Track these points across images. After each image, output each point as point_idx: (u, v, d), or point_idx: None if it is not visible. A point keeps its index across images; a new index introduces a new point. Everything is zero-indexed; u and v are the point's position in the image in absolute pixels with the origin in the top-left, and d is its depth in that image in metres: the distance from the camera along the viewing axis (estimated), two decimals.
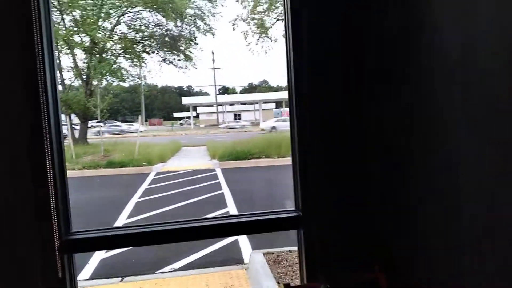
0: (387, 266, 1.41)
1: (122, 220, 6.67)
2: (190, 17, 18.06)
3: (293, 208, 1.65)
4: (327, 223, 1.52)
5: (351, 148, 1.49)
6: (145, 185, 9.72)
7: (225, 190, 8.63)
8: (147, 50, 18.65)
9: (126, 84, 22.00)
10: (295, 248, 4.55)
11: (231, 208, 7.05)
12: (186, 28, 18.31)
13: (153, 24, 18.18)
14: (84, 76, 16.25)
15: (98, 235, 1.39)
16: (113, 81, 18.32)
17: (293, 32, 1.44)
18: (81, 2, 15.71)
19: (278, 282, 3.77)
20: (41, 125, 1.25)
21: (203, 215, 6.64)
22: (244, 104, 48.46)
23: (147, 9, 17.14)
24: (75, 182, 10.85)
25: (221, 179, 10.13)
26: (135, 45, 18.23)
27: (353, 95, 1.46)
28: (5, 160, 1.23)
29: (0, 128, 1.22)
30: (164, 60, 18.95)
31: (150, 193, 8.79)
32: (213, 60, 37.83)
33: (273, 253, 4.54)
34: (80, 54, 17.01)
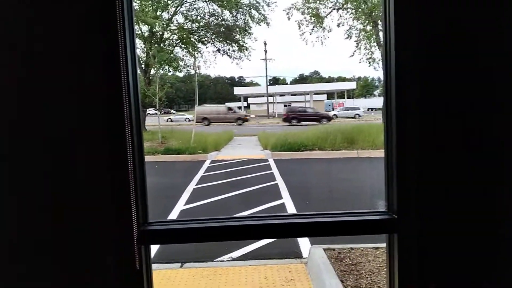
0: None
1: (180, 206, 6.84)
2: (245, 7, 18.06)
3: (384, 210, 1.51)
4: (430, 230, 1.37)
5: (461, 146, 1.31)
6: (201, 173, 9.92)
7: (279, 181, 8.57)
8: (203, 40, 18.97)
9: (180, 74, 22.62)
10: (358, 246, 4.39)
11: (287, 200, 6.97)
12: (241, 18, 18.35)
13: (209, 14, 18.41)
14: (143, 65, 16.86)
15: (177, 226, 1.34)
16: (170, 71, 18.88)
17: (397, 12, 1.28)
18: None
19: (341, 281, 3.64)
20: (122, 109, 1.20)
21: (259, 205, 6.63)
22: (295, 95, 48.08)
23: (205, 1, 17.34)
24: None
25: (274, 169, 10.09)
26: (191, 35, 18.60)
27: (464, 90, 1.28)
28: (85, 145, 1.18)
29: (82, 113, 1.18)
30: (219, 50, 19.19)
31: (206, 180, 8.95)
32: (265, 51, 37.53)
33: (334, 250, 4.40)
34: (138, 43, 17.67)
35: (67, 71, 1.17)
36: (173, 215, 6.34)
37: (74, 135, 1.18)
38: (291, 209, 6.46)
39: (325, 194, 7.68)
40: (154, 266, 4.68)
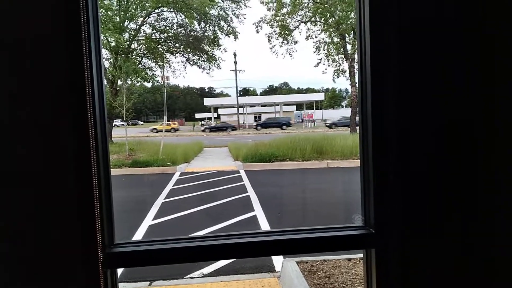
0: None
1: (148, 221, 6.61)
2: (214, 18, 18.08)
3: (361, 224, 1.46)
4: (408, 245, 1.33)
5: (446, 155, 1.28)
6: (170, 186, 9.67)
7: (251, 193, 8.49)
8: (171, 50, 18.78)
9: (148, 85, 22.25)
10: (330, 257, 4.34)
11: (259, 212, 6.89)
12: (209, 29, 18.35)
13: (177, 25, 18.28)
14: (110, 76, 16.44)
15: (145, 248, 1.23)
16: (138, 81, 18.51)
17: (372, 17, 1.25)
18: (106, 2, 15.89)
19: None
20: (87, 122, 1.11)
21: (230, 218, 6.51)
22: (265, 105, 48.46)
23: (171, 10, 17.21)
24: None
25: (246, 181, 10.00)
26: (159, 46, 18.37)
27: (452, 95, 1.26)
28: (49, 161, 1.08)
29: (45, 127, 1.08)
30: (188, 60, 19.05)
31: (175, 194, 8.73)
32: (235, 62, 37.74)
33: (307, 262, 4.35)
34: (105, 53, 17.23)
35: (27, 80, 1.07)
36: (141, 230, 6.10)
37: (35, 149, 1.08)
38: (263, 221, 6.38)
39: (298, 205, 7.67)
40: (120, 285, 4.46)
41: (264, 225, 6.15)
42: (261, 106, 48.09)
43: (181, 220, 6.70)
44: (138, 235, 5.83)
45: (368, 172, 1.38)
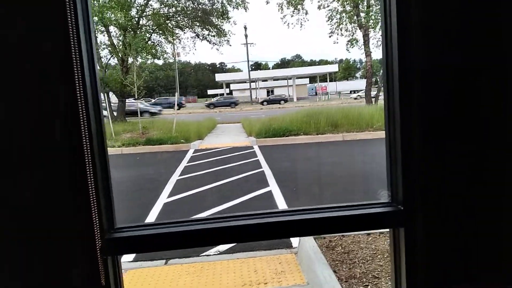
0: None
1: (163, 199, 6.57)
2: None
3: (388, 201, 1.31)
4: (439, 223, 1.18)
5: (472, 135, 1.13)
6: (184, 163, 9.63)
7: (265, 169, 8.37)
8: (180, 25, 18.41)
9: (160, 62, 22.05)
10: (349, 233, 4.21)
11: (273, 188, 6.78)
12: (218, 1, 17.85)
13: None
14: (120, 54, 16.27)
15: (150, 232, 1.12)
16: (148, 58, 18.31)
17: None
18: None
19: (334, 271, 3.46)
20: (76, 102, 0.97)
21: (245, 194, 6.43)
22: (277, 79, 47.92)
23: None
24: (115, 159, 10.96)
25: (260, 156, 9.88)
26: (168, 21, 18.02)
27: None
28: (39, 145, 0.96)
29: (32, 108, 0.96)
30: (197, 35, 18.68)
31: (190, 171, 8.68)
32: (246, 36, 37.12)
33: (324, 238, 4.22)
34: (115, 31, 17.01)
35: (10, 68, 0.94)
36: (156, 208, 6.07)
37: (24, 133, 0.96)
38: (278, 196, 6.27)
39: (313, 180, 7.53)
40: (137, 264, 4.45)
41: (280, 200, 6.04)
42: (274, 80, 47.54)
43: (196, 197, 6.65)
44: (153, 213, 5.80)
45: (394, 143, 1.23)
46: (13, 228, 0.97)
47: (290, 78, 41.04)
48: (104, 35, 16.85)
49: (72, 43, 0.93)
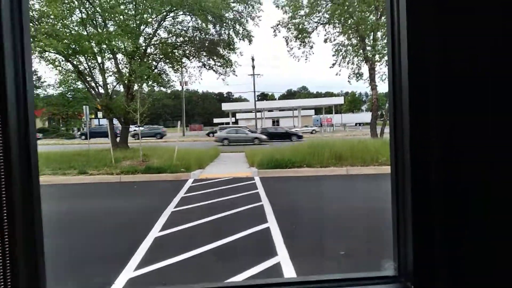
0: None
1: (155, 232, 6.24)
2: (229, 21, 17.81)
3: (393, 275, 1.06)
4: None
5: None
6: (181, 193, 9.33)
7: (265, 203, 8.03)
8: (187, 54, 18.60)
9: (168, 90, 22.18)
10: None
11: (272, 224, 6.43)
12: (225, 33, 18.09)
13: (193, 29, 18.09)
14: (126, 81, 16.35)
15: None
16: (153, 86, 18.39)
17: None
18: (122, 7, 15.81)
19: None
20: None
21: (241, 230, 6.08)
22: (283, 110, 48.13)
23: (187, 13, 17.00)
24: (113, 187, 10.69)
25: (260, 189, 9.56)
26: (175, 50, 18.22)
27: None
28: None
29: None
30: (204, 65, 18.83)
31: (186, 202, 8.37)
32: (253, 66, 37.64)
33: None
34: (122, 59, 17.16)
35: None
36: (146, 244, 5.73)
37: None
38: (276, 234, 5.91)
39: (314, 217, 7.16)
40: None
41: (277, 239, 5.68)
42: (279, 110, 47.83)
43: (189, 232, 6.30)
44: (143, 249, 5.46)
45: (403, 193, 0.97)
46: None
47: (296, 109, 41.25)
48: (111, 62, 17.02)
49: None
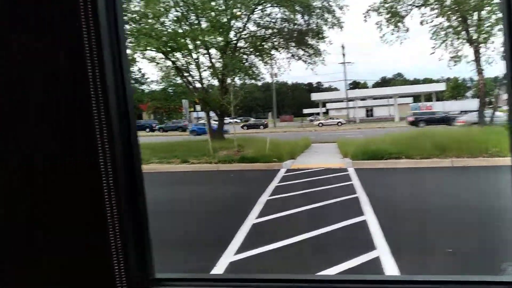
0: None
1: (251, 219, 6.47)
2: (317, 10, 17.46)
3: None
4: None
5: None
6: (275, 183, 9.51)
7: (360, 194, 7.78)
8: (276, 46, 18.74)
9: (259, 83, 22.70)
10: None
11: (369, 217, 6.20)
12: (313, 22, 17.79)
13: (281, 20, 18.13)
14: (219, 75, 17.12)
15: None
16: (245, 79, 18.94)
17: None
18: (213, 4, 16.48)
19: None
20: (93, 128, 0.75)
21: (336, 221, 5.98)
22: (377, 98, 45.76)
23: (275, 5, 17.09)
24: (211, 175, 11.36)
25: (355, 180, 9.27)
26: (264, 43, 18.49)
27: None
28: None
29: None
30: (293, 56, 18.79)
31: (280, 191, 8.51)
32: (343, 54, 36.42)
33: None
34: (215, 54, 17.92)
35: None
36: (245, 228, 5.98)
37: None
38: (374, 227, 5.69)
39: (416, 211, 6.72)
40: None
41: (375, 232, 5.47)
42: (373, 99, 45.60)
43: (285, 220, 6.41)
44: (241, 234, 5.71)
45: None
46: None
47: (391, 97, 38.92)
48: (206, 58, 17.96)
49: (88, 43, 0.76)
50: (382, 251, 4.80)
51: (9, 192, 0.76)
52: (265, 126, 34.64)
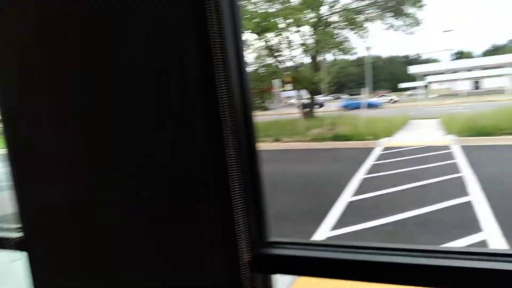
0: None
1: (347, 197, 6.49)
2: None
3: None
4: None
5: None
6: (370, 161, 9.30)
7: (466, 174, 7.22)
8: (369, 18, 17.81)
9: (352, 58, 21.91)
10: None
11: (476, 198, 5.78)
12: None
13: None
14: (310, 53, 16.93)
15: (316, 254, 0.90)
16: (337, 54, 18.44)
17: None
18: None
19: None
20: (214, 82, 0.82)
21: (438, 202, 5.70)
22: (486, 69, 40.85)
23: None
24: (304, 153, 11.50)
25: (460, 159, 8.60)
26: (357, 16, 17.69)
27: None
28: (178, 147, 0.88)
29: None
30: (390, 26, 17.70)
31: (376, 170, 8.31)
32: (444, 22, 32.94)
33: None
34: (306, 31, 17.70)
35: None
36: (340, 206, 6.05)
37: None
38: (485, 209, 5.30)
39: None
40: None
41: (483, 214, 5.10)
42: (482, 69, 40.68)
43: (382, 199, 6.31)
44: (337, 211, 5.80)
45: None
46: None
47: (505, 67, 34.30)
48: (297, 36, 17.86)
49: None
50: (490, 232, 4.50)
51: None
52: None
